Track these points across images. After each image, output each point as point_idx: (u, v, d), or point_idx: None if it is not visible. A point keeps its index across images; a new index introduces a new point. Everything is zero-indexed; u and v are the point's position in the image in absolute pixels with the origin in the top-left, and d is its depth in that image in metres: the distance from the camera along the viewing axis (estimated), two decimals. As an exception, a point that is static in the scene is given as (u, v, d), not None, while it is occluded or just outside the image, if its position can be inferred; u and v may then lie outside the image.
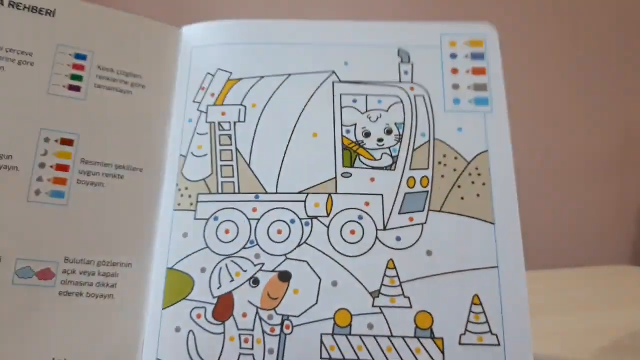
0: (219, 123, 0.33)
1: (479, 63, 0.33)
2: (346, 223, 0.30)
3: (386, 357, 0.28)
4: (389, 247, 0.30)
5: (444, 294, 0.29)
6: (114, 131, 0.32)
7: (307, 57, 0.33)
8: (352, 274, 0.29)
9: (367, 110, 0.32)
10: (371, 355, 0.28)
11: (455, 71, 0.33)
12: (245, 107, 0.33)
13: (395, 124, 0.32)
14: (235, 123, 0.32)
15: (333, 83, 0.33)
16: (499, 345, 0.28)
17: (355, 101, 0.32)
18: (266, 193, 0.31)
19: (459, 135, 0.32)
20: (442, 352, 0.28)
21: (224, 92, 0.33)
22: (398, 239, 0.30)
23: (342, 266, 0.29)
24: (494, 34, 0.34)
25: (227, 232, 0.30)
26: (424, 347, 0.28)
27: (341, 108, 0.32)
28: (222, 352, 0.28)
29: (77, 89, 0.31)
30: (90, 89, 0.32)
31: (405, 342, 0.28)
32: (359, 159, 0.31)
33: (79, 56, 0.32)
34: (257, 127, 0.32)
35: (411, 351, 0.28)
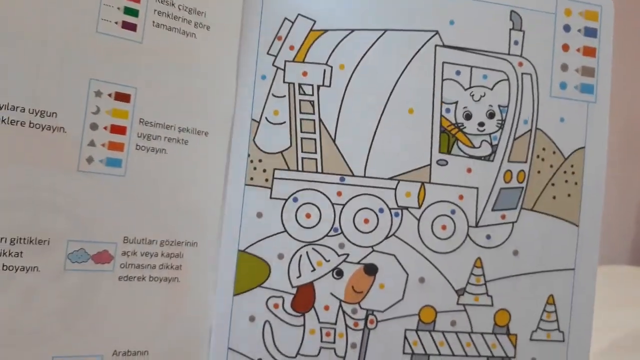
0: (300, 85, 0.31)
1: (590, 41, 0.34)
2: (438, 217, 0.32)
3: (465, 352, 0.32)
4: (478, 245, 0.32)
5: (523, 293, 0.33)
6: (175, 84, 0.29)
7: (407, 9, 0.32)
8: (439, 271, 0.32)
9: (470, 86, 0.32)
10: (451, 350, 0.32)
11: (566, 47, 0.33)
12: (331, 67, 0.31)
13: (499, 107, 0.32)
14: (319, 87, 0.31)
15: (435, 47, 0.32)
16: (563, 341, 0.32)
17: (458, 73, 0.32)
18: (353, 176, 0.31)
19: (560, 126, 0.33)
20: (515, 347, 0.32)
21: (305, 45, 0.31)
22: (488, 237, 0.32)
23: (431, 262, 0.31)
24: (610, 8, 0.34)
25: (307, 216, 0.31)
26: (499, 342, 0.32)
27: (442, 80, 0.32)
28: (301, 345, 0.30)
29: (132, 27, 0.28)
30: (147, 28, 0.28)
31: (484, 338, 0.32)
32: (457, 144, 0.32)
33: None
34: (344, 94, 0.31)
35: (487, 346, 0.32)
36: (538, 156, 0.33)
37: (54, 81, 0.27)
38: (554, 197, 0.33)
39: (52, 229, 0.27)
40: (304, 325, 0.31)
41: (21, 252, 0.26)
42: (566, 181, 0.33)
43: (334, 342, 0.31)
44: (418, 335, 0.31)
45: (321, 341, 0.31)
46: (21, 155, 0.26)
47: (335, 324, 0.31)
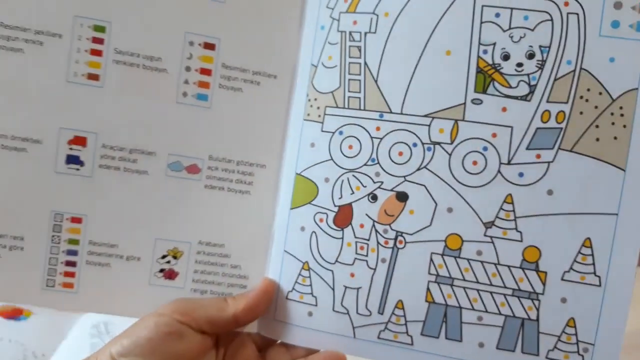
0: (350, 33, 0.38)
1: (658, -26, 0.33)
2: (469, 153, 0.36)
3: (490, 281, 0.36)
4: (509, 181, 0.36)
5: (557, 233, 0.35)
6: (251, 35, 0.39)
7: (450, -42, 0.36)
8: (468, 203, 0.36)
9: (509, 28, 0.35)
10: (476, 277, 0.36)
11: (624, -16, 0.33)
12: (377, 15, 0.37)
13: (540, 47, 0.35)
14: (365, 34, 0.38)
15: (476, -9, 0.35)
16: (599, 286, 0.34)
17: (497, 15, 0.35)
18: (390, 112, 0.37)
19: (610, 66, 0.34)
20: (544, 284, 0.35)
21: (357, -3, 0.38)
22: (521, 174, 0.35)
23: (460, 194, 0.36)
24: None
25: (350, 147, 0.38)
26: (527, 277, 0.36)
27: (481, 23, 0.36)
28: (339, 254, 0.38)
29: None
30: None
31: (510, 270, 0.36)
32: (493, 84, 0.36)
33: None
34: (387, 39, 0.37)
35: (514, 279, 0.36)
36: (582, 97, 0.34)
37: (159, 34, 0.39)
38: (597, 139, 0.34)
39: (157, 144, 0.40)
40: (342, 238, 0.39)
41: (136, 160, 0.39)
42: (613, 123, 0.34)
43: (367, 255, 0.38)
44: (443, 259, 0.37)
45: (356, 253, 0.38)
46: (138, 88, 0.39)
47: (369, 240, 0.38)
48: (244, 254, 0.41)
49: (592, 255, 0.35)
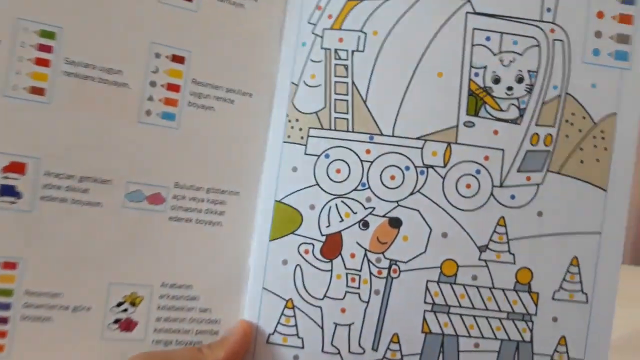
0: (336, 50, 0.36)
1: (627, 9, 0.36)
2: (462, 176, 0.35)
3: (485, 305, 0.36)
4: (502, 204, 0.36)
5: (547, 253, 0.36)
6: (225, 50, 0.35)
7: (440, -22, 0.35)
8: (462, 227, 0.36)
9: (500, 52, 0.36)
10: (472, 302, 0.36)
11: (600, 15, 0.36)
12: (365, 34, 0.36)
13: (528, 72, 0.36)
14: (353, 52, 0.36)
15: (466, 14, 0.36)
16: (586, 302, 0.35)
17: (488, 39, 0.36)
18: (381, 135, 0.36)
19: (592, 92, 0.36)
20: (536, 305, 0.36)
21: (342, 13, 0.36)
22: (512, 197, 0.36)
23: (454, 219, 0.36)
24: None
25: (338, 171, 0.36)
26: (520, 299, 0.36)
27: (472, 45, 0.36)
28: (328, 288, 0.36)
29: None
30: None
31: (505, 293, 0.36)
32: (485, 107, 0.36)
33: None
34: (376, 58, 0.36)
35: (508, 302, 0.36)
36: (567, 120, 0.36)
37: (121, 44, 0.33)
38: (582, 161, 0.36)
39: (114, 171, 0.34)
40: (331, 270, 0.36)
41: (88, 189, 0.33)
42: (595, 146, 0.36)
43: (359, 288, 0.36)
44: (439, 287, 0.36)
45: (347, 286, 0.36)
46: (92, 105, 0.33)
47: (360, 270, 0.36)
48: (215, 295, 0.36)
49: (579, 273, 0.36)
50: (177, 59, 0.34)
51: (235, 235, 0.37)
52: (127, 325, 0.34)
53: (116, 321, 0.34)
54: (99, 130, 0.33)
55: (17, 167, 0.31)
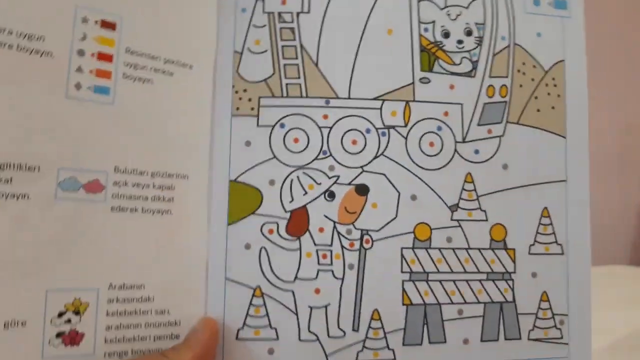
0: (279, 13, 0.34)
1: (559, -41, 0.37)
2: (425, 134, 0.34)
3: (464, 268, 0.34)
4: (467, 160, 0.35)
5: (517, 207, 0.35)
6: (159, 17, 0.32)
7: None
8: (430, 188, 0.34)
9: (446, 6, 0.35)
10: (450, 267, 0.34)
11: (535, -33, 0.36)
12: (309, -6, 0.34)
13: (476, 24, 0.36)
14: (298, 14, 0.34)
15: (409, -30, 0.35)
16: (562, 254, 0.35)
17: (433, -6, 0.35)
18: (337, 98, 0.34)
19: (538, 41, 0.36)
20: (514, 262, 0.35)
21: (282, -26, 0.34)
22: (476, 151, 0.35)
23: (421, 179, 0.34)
24: None
25: (295, 140, 0.33)
26: (497, 257, 0.35)
27: (418, 1, 0.35)
28: (298, 268, 0.33)
29: None
30: None
31: (481, 253, 0.34)
32: (438, 62, 0.35)
33: None
34: (323, 19, 0.34)
35: (486, 262, 0.34)
36: (519, 70, 0.36)
37: (41, 6, 0.29)
38: (538, 110, 0.36)
39: (42, 155, 0.29)
40: (299, 248, 0.33)
41: (11, 179, 0.28)
42: (549, 94, 0.36)
43: (331, 264, 0.33)
44: (415, 253, 0.34)
45: (318, 264, 0.33)
46: (10, 77, 0.28)
47: (331, 245, 0.33)
48: (171, 293, 0.32)
49: (552, 224, 0.35)
50: (107, 25, 0.31)
51: (188, 223, 0.33)
52: (73, 338, 0.29)
53: (59, 335, 0.29)
54: (20, 108, 0.28)
55: None
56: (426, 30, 0.35)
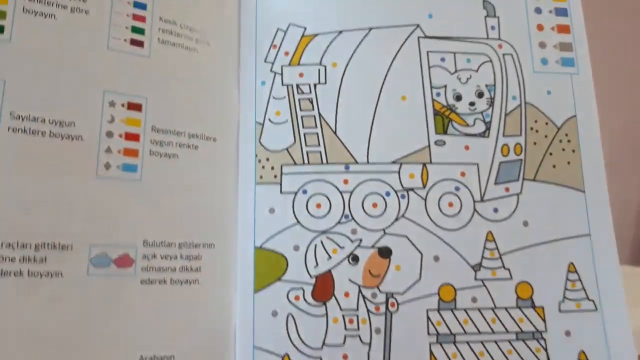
0: (297, 85, 0.35)
1: (563, 20, 0.38)
2: (443, 195, 0.35)
3: (491, 329, 0.34)
4: (486, 219, 0.35)
5: (541, 263, 0.35)
6: (182, 95, 0.34)
7: (388, 8, 0.37)
8: (452, 248, 0.34)
9: (456, 70, 0.37)
10: (477, 327, 0.34)
11: (540, 27, 0.38)
12: (324, 66, 0.36)
13: (486, 86, 0.37)
14: (315, 85, 0.35)
15: (418, 38, 0.37)
16: (596, 310, 0.34)
17: (443, 60, 0.37)
18: (356, 163, 0.35)
19: (548, 98, 0.37)
20: (544, 320, 0.34)
21: (299, 50, 0.36)
22: (495, 210, 0.35)
23: (442, 240, 0.34)
24: (574, -11, 0.39)
25: (318, 206, 0.34)
26: (526, 316, 0.34)
27: (429, 67, 0.36)
28: (326, 334, 0.33)
29: (139, 43, 0.33)
30: (154, 44, 0.33)
31: (509, 312, 0.34)
32: (452, 124, 0.36)
33: (138, 5, 0.33)
34: (340, 89, 0.36)
35: (515, 321, 0.34)
36: (532, 128, 0.37)
37: (71, 94, 0.31)
38: (554, 166, 0.36)
39: (74, 234, 0.30)
40: (326, 314, 0.33)
41: (45, 258, 0.29)
42: (563, 149, 0.37)
43: (358, 329, 0.33)
44: (440, 315, 0.34)
45: (345, 329, 0.33)
46: (43, 163, 0.29)
47: (357, 310, 0.33)
48: (200, 362, 0.32)
49: (580, 280, 0.35)
50: (134, 107, 0.32)
51: (216, 292, 0.33)
52: (103, 413, 0.29)
53: (88, 411, 0.29)
54: (54, 190, 0.29)
55: (-39, 241, 0.27)
56: (438, 94, 0.36)
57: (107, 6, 0.32)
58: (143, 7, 0.33)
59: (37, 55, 0.30)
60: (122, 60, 0.32)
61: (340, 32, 0.36)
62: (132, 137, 0.32)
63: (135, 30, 0.33)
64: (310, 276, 0.33)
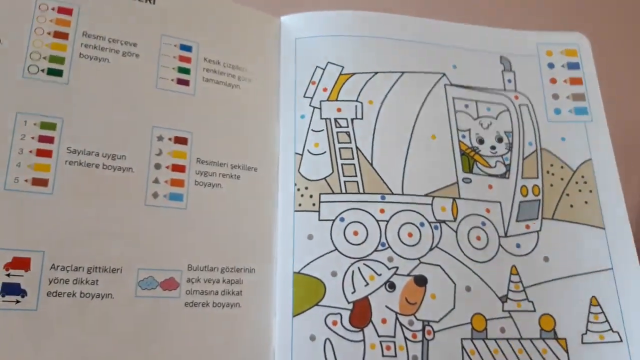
0: (335, 119, 0.37)
1: (575, 73, 0.42)
2: (472, 229, 0.36)
3: (518, 359, 0.34)
4: (510, 253, 0.37)
5: (563, 297, 0.36)
6: (225, 128, 0.35)
7: (418, 56, 0.39)
8: (482, 279, 0.36)
9: (478, 117, 0.39)
10: (506, 357, 0.34)
11: (554, 80, 0.41)
12: (361, 103, 0.38)
13: (505, 132, 0.39)
14: (352, 120, 0.37)
15: (445, 85, 0.39)
16: (621, 341, 0.36)
17: (467, 106, 0.39)
18: (392, 194, 0.36)
19: (563, 145, 0.40)
20: (567, 352, 0.35)
21: (337, 86, 0.38)
22: (518, 245, 0.37)
23: (473, 271, 0.36)
24: (586, 43, 0.43)
25: (355, 233, 0.35)
26: (549, 347, 0.35)
27: (455, 112, 0.39)
28: (364, 360, 0.32)
29: (185, 82, 0.34)
30: (198, 83, 0.35)
31: (533, 343, 0.35)
32: (476, 165, 0.38)
33: (184, 47, 0.35)
34: (375, 124, 0.37)
35: (539, 352, 0.35)
36: (548, 172, 0.39)
37: (123, 129, 0.32)
38: (571, 206, 0.39)
39: (124, 258, 0.30)
40: (363, 340, 0.33)
41: (97, 280, 0.29)
42: (580, 190, 0.39)
43: (396, 356, 0.33)
44: (474, 344, 0.34)
45: (382, 355, 0.33)
46: (96, 192, 0.30)
47: (394, 336, 0.33)
48: (239, 385, 0.31)
49: (603, 312, 0.36)
50: (180, 140, 0.33)
51: (256, 315, 0.33)
52: None
53: None
54: (106, 217, 0.30)
55: (20, 263, 0.27)
56: (464, 136, 0.39)
57: (156, 49, 0.34)
58: (189, 49, 0.35)
59: (91, 96, 0.32)
60: (169, 98, 0.34)
61: (376, 72, 0.39)
62: (179, 168, 0.33)
63: (181, 70, 0.35)
64: (348, 302, 0.34)
